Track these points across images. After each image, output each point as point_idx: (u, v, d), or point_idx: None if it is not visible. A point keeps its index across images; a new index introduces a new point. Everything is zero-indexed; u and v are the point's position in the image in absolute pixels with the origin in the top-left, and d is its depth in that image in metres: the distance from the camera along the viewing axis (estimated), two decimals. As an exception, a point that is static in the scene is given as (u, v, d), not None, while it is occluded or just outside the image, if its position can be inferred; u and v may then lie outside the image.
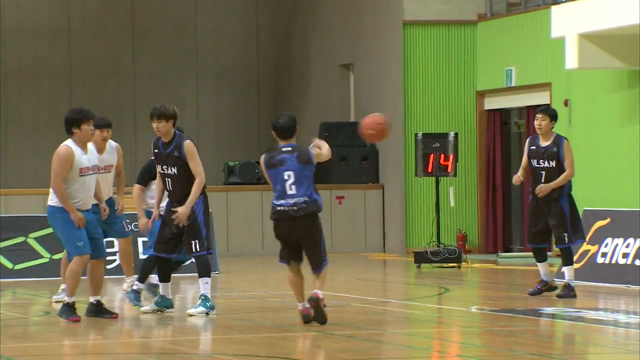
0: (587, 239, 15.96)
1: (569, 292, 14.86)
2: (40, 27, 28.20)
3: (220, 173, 26.06)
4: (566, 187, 14.97)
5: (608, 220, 16.98)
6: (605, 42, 20.11)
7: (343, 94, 26.95)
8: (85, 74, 28.33)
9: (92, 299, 13.79)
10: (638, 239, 16.45)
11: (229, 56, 29.29)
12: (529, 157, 14.85)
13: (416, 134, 22.20)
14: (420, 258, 20.64)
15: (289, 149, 12.95)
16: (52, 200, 13.59)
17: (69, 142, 13.42)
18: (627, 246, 16.67)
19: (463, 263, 20.69)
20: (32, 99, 27.54)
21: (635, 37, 20.05)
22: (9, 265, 19.40)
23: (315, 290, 12.71)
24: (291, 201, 12.82)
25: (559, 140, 14.76)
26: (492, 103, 24.03)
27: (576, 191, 20.36)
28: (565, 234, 14.65)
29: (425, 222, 23.35)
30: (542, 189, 14.64)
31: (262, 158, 13.11)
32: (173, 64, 28.83)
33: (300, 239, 12.92)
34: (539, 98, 22.46)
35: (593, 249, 17.11)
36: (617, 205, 19.37)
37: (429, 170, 21.32)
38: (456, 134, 21.86)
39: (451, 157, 21.42)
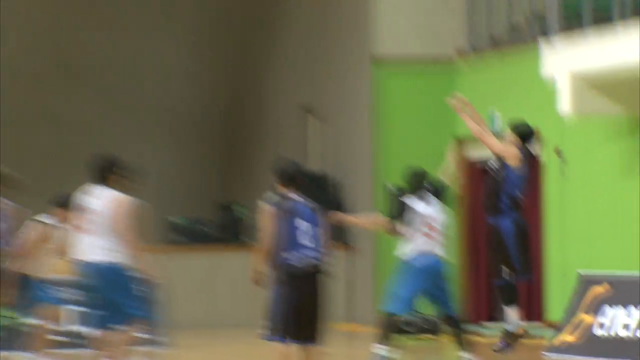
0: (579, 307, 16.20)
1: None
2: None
3: (159, 231, 25.88)
4: None
5: (606, 286, 17.17)
6: (604, 84, 20.10)
7: (302, 140, 26.83)
8: (11, 120, 28.38)
9: None
10: (640, 308, 17.03)
11: (172, 97, 29.38)
12: None
13: (388, 186, 22.53)
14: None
15: (299, 197, 13.22)
16: None
17: None
18: (629, 316, 16.85)
19: (441, 334, 20.58)
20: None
21: (636, 80, 19.97)
22: None
23: None
24: (306, 253, 13.01)
25: None
26: (474, 151, 23.93)
27: (570, 252, 20.43)
28: None
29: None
30: None
31: (267, 206, 13.21)
32: (107, 105, 28.72)
33: (310, 301, 13.00)
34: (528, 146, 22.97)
35: (589, 319, 17.22)
36: (617, 269, 19.49)
37: (404, 228, 22.36)
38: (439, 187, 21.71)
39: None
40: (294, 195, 13.25)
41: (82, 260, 13.79)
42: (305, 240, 13.00)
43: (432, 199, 16.20)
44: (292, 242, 13.00)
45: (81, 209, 13.94)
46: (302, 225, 13.05)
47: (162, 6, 29.12)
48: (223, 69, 29.46)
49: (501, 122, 22.98)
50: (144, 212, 14.62)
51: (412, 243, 16.06)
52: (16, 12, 28.10)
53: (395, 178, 23.20)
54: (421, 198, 16.19)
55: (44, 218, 17.59)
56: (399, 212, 16.17)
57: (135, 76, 29.09)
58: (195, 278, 24.47)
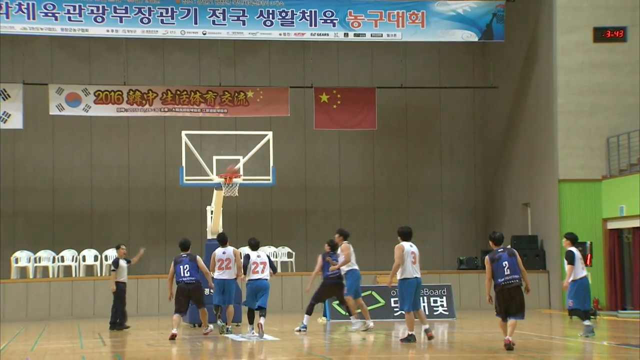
0: None
1: None
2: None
3: (455, 264, 25.96)
4: None
5: None
6: None
7: (524, 221, 25.91)
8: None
9: None
10: None
11: (459, 192, 28.07)
12: None
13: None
14: (572, 312, 18.87)
15: (502, 249, 12.80)
16: None
17: None
18: None
19: (597, 316, 20.53)
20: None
21: None
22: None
23: (507, 337, 12.60)
24: (507, 278, 12.60)
25: None
26: (612, 225, 23.51)
27: None
28: None
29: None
30: None
31: (487, 256, 12.81)
32: (422, 198, 27.79)
33: (512, 300, 12.57)
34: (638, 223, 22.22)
35: None
36: None
37: (575, 263, 20.24)
38: (591, 243, 21.49)
39: (588, 256, 20.93)
40: (499, 249, 12.74)
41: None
42: (507, 271, 12.52)
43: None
44: (499, 273, 12.58)
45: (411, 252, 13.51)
46: (504, 263, 12.56)
47: (454, 150, 28.27)
48: (484, 176, 28.34)
49: (625, 210, 22.52)
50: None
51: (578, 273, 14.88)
52: (365, 150, 27.44)
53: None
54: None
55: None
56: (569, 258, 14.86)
57: (443, 185, 28.09)
58: (466, 286, 23.58)
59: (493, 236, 12.76)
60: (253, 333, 15.24)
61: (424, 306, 19.29)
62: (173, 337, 14.98)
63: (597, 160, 23.41)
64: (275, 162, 19.96)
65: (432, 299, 19.60)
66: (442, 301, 19.64)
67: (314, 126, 24.42)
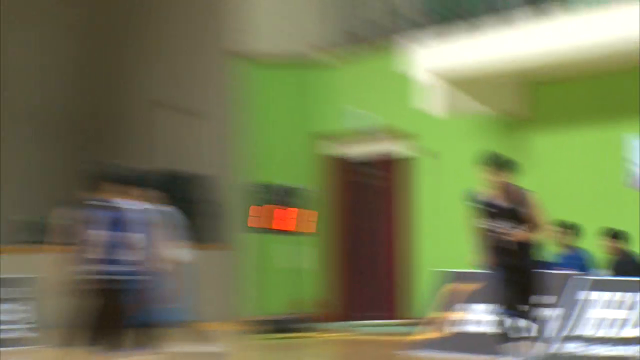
0: None
1: None
2: None
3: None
4: None
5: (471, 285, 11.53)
6: (463, 82, 13.72)
7: (156, 137, 19.34)
8: None
9: None
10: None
11: (27, 93, 20.72)
12: None
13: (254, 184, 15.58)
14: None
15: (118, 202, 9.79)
16: None
17: None
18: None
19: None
20: None
21: (497, 77, 13.69)
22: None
23: None
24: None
25: None
26: (333, 148, 16.80)
27: (441, 250, 14.57)
28: None
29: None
30: None
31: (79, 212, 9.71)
32: None
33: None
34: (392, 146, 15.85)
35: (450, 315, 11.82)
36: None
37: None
38: (302, 187, 15.24)
39: (295, 212, 15.18)
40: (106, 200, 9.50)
41: None
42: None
43: None
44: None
45: None
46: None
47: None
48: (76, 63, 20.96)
49: (358, 118, 16.08)
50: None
51: None
52: None
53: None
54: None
55: None
56: None
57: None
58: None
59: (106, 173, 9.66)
60: None
61: None
62: None
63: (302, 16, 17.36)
64: None
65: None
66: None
67: None
